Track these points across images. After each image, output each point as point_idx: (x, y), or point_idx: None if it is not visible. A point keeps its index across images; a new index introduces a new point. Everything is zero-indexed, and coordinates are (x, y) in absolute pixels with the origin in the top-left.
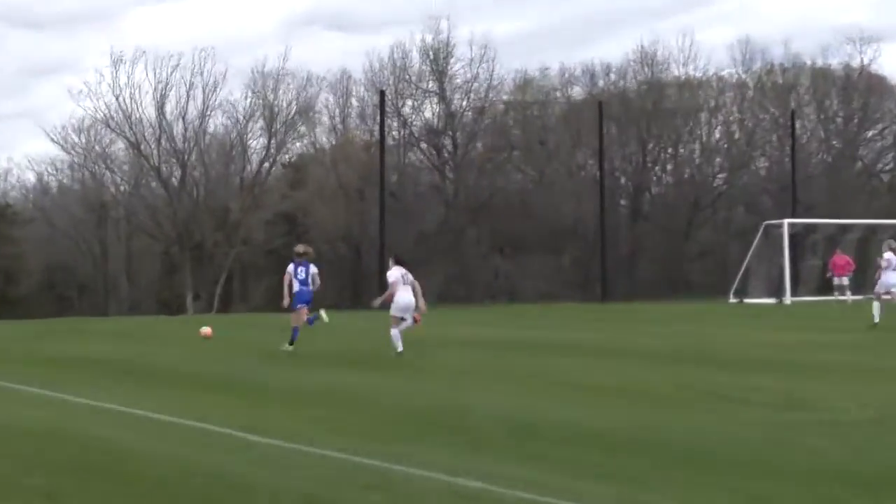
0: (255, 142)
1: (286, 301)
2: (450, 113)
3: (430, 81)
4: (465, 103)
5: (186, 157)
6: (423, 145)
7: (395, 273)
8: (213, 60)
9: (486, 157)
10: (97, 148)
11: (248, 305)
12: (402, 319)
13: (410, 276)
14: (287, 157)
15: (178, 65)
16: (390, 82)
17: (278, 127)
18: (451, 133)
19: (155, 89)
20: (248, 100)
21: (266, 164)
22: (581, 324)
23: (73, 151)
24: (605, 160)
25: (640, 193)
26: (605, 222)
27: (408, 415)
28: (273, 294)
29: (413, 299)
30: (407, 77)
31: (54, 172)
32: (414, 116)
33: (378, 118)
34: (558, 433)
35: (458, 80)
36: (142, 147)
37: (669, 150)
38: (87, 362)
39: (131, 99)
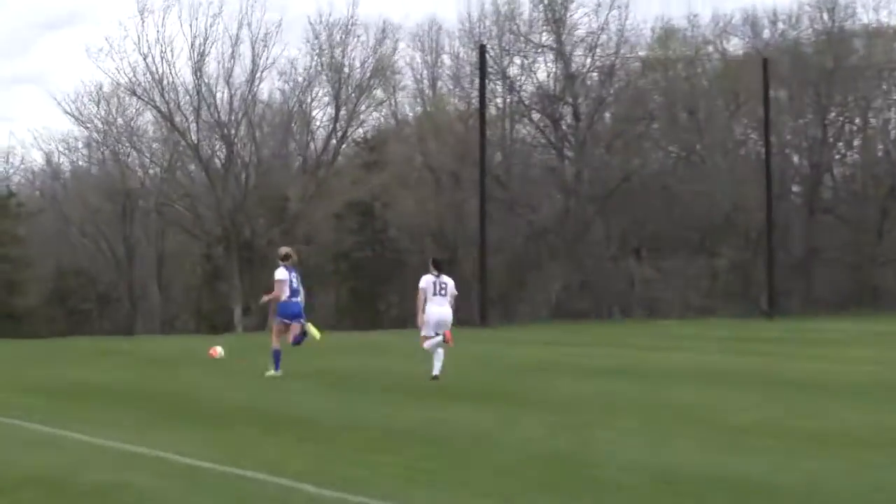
0: (319, 112)
1: (265, 299)
2: (569, 74)
3: (545, 33)
4: (589, 61)
5: (232, 131)
6: (536, 116)
7: (425, 279)
8: (263, 7)
9: (617, 131)
10: (120, 121)
11: (311, 321)
12: (437, 334)
13: (450, 286)
14: (360, 131)
15: (219, 13)
16: (493, 34)
17: (349, 93)
18: (571, 100)
19: (191, 46)
20: (310, 58)
21: (334, 141)
22: (739, 345)
23: (90, 125)
24: (771, 134)
25: (819, 177)
26: (773, 215)
27: (521, 462)
28: (344, 307)
29: (449, 314)
30: (514, 28)
31: (67, 152)
32: (523, 79)
33: (477, 81)
34: (713, 486)
35: (581, 31)
36: (176, 119)
37: (857, 121)
38: (107, 393)
39: (162, 58)
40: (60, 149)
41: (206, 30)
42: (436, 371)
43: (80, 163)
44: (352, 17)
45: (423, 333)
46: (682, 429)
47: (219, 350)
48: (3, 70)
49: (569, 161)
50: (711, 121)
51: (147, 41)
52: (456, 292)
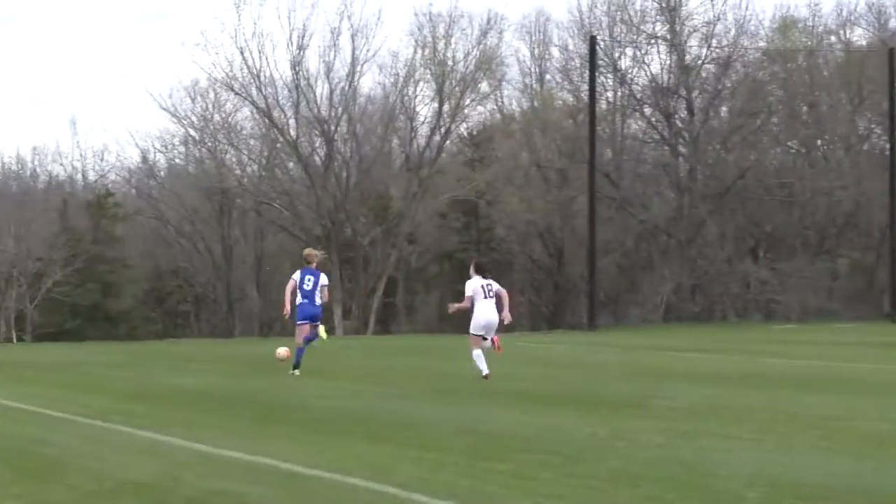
0: (422, 107)
1: (286, 311)
2: (684, 66)
3: (658, 23)
4: (704, 52)
5: (333, 127)
6: (648, 110)
7: (472, 284)
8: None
9: (734, 126)
10: (217, 117)
11: (414, 324)
12: (484, 339)
13: (495, 286)
14: (465, 126)
15: (318, 4)
16: (603, 25)
17: (452, 87)
18: (685, 93)
19: (289, 39)
20: (413, 50)
21: (437, 137)
22: (861, 351)
23: (186, 122)
24: None
25: None
26: None
27: (634, 471)
28: (445, 310)
29: (496, 316)
30: (626, 18)
31: (163, 149)
32: (635, 71)
33: (586, 74)
34: (840, 498)
35: (696, 21)
36: (274, 115)
37: None
38: (207, 397)
39: (260, 52)
40: (157, 146)
41: (304, 23)
42: (485, 371)
43: (177, 160)
44: (456, 7)
45: (472, 332)
46: (803, 437)
47: (281, 351)
48: (98, 65)
49: (682, 157)
50: (833, 115)
51: (244, 34)
52: (504, 292)
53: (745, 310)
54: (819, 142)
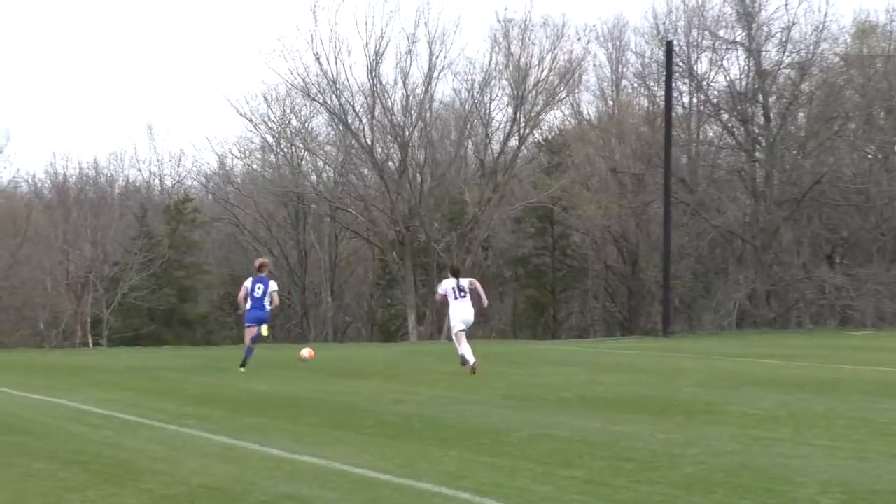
0: (498, 112)
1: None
2: (761, 71)
3: (736, 28)
4: (783, 58)
5: (408, 133)
6: (724, 116)
7: (445, 285)
8: (441, 6)
9: (811, 132)
10: (294, 123)
11: (487, 330)
12: (465, 331)
13: (466, 283)
14: (541, 132)
15: (396, 11)
16: (679, 30)
17: (528, 91)
18: (762, 99)
19: (366, 46)
20: (488, 57)
21: (513, 142)
22: None
23: (262, 127)
24: None
25: None
26: None
27: (709, 478)
28: (521, 314)
29: (471, 313)
30: (703, 23)
31: (240, 155)
32: (712, 77)
33: (662, 80)
34: None
35: (774, 27)
36: (349, 121)
37: None
38: (280, 402)
39: (336, 59)
40: (234, 152)
41: (382, 29)
42: (472, 360)
43: (254, 166)
44: (530, 12)
45: (454, 329)
46: (878, 444)
47: (304, 353)
48: (175, 71)
49: (759, 163)
50: None
51: (321, 40)
52: (479, 287)
53: (820, 316)
54: None
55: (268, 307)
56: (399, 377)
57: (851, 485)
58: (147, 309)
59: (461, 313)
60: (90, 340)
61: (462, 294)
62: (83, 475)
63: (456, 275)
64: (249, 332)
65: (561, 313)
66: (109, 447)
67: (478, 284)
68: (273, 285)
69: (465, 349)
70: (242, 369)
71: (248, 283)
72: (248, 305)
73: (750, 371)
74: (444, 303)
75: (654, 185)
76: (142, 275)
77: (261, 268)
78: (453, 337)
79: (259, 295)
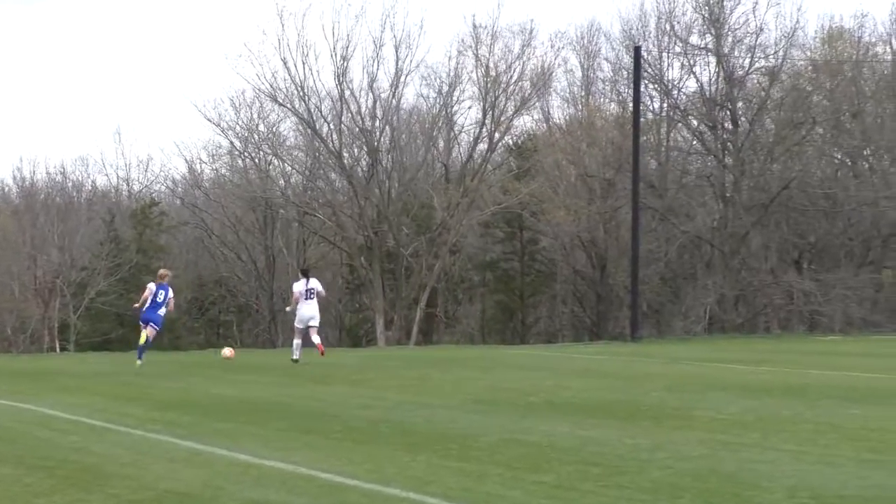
0: (465, 118)
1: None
2: (730, 77)
3: (705, 34)
4: (751, 63)
5: (376, 137)
6: (694, 121)
7: (298, 286)
8: (407, 10)
9: (780, 137)
10: (262, 128)
11: (456, 335)
12: (304, 330)
13: (319, 288)
14: (510, 137)
15: (361, 15)
16: (650, 35)
17: (498, 96)
18: (730, 104)
19: (333, 50)
20: (456, 61)
21: (481, 147)
22: None
23: (230, 132)
24: None
25: None
26: None
27: (677, 482)
28: (490, 319)
29: (316, 313)
30: (673, 29)
31: (208, 160)
32: (682, 82)
33: (632, 85)
34: None
35: (742, 32)
36: (318, 126)
37: None
38: (248, 407)
39: (304, 63)
40: (202, 157)
41: (348, 33)
42: (297, 356)
43: (222, 171)
44: (498, 17)
45: (296, 325)
46: (846, 449)
47: (226, 352)
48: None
49: (727, 168)
50: (878, 126)
51: (288, 45)
52: (324, 292)
53: (788, 321)
54: (866, 152)
55: (164, 312)
56: (367, 382)
57: (818, 490)
58: (115, 314)
59: (308, 312)
60: (58, 345)
61: (311, 295)
62: (49, 480)
63: (306, 276)
64: (145, 332)
65: (529, 318)
66: (76, 452)
67: (320, 286)
68: (171, 292)
69: (297, 347)
70: (139, 363)
71: (151, 286)
72: (148, 306)
73: (718, 376)
74: (298, 301)
75: (623, 191)
76: (109, 280)
77: (162, 277)
78: (294, 332)
79: (161, 300)
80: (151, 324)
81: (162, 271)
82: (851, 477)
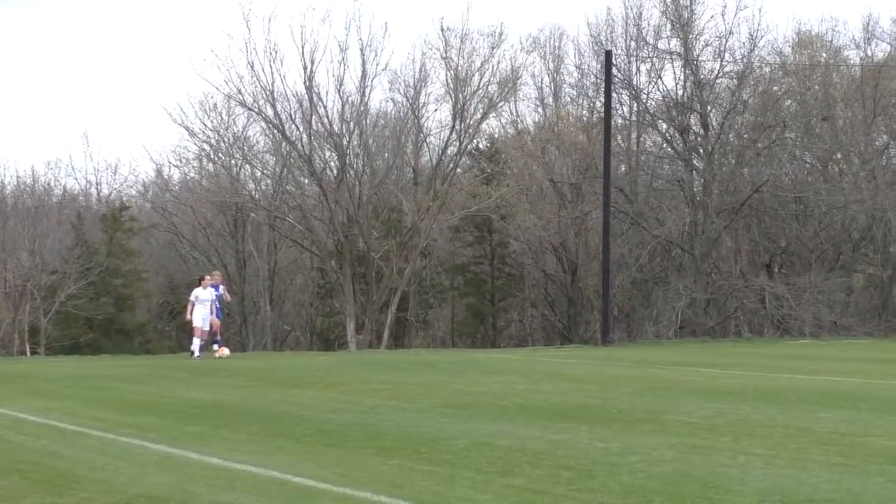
0: (432, 120)
1: None
2: (699, 81)
3: (672, 39)
4: (720, 67)
5: (345, 142)
6: (663, 125)
7: (196, 291)
8: (371, 12)
9: (750, 141)
10: (231, 132)
11: (427, 338)
12: (204, 330)
13: (214, 294)
14: (478, 141)
15: (327, 18)
16: (618, 41)
17: (466, 101)
18: (700, 108)
19: (301, 54)
20: (423, 64)
21: (451, 151)
22: (875, 367)
23: (200, 136)
24: None
25: None
26: None
27: (647, 486)
28: (460, 323)
29: (208, 314)
30: (640, 34)
31: (178, 164)
32: (651, 87)
33: (602, 89)
34: None
35: (710, 36)
36: (287, 130)
37: None
38: (219, 411)
39: (271, 67)
40: (172, 160)
41: (314, 37)
42: (197, 354)
43: (192, 175)
44: (467, 21)
45: (196, 325)
46: (816, 453)
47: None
48: (111, 80)
49: (697, 172)
50: (849, 130)
51: (254, 49)
52: (229, 298)
53: (759, 325)
54: (837, 156)
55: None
56: (338, 386)
57: (789, 494)
58: (85, 318)
59: (203, 313)
60: (28, 349)
61: (203, 301)
62: (21, 484)
63: (202, 282)
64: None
65: (500, 322)
66: (47, 456)
67: (228, 298)
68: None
69: (196, 345)
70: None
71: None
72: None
73: (689, 380)
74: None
75: (592, 195)
76: (79, 283)
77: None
78: (197, 331)
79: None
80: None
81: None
82: (821, 481)
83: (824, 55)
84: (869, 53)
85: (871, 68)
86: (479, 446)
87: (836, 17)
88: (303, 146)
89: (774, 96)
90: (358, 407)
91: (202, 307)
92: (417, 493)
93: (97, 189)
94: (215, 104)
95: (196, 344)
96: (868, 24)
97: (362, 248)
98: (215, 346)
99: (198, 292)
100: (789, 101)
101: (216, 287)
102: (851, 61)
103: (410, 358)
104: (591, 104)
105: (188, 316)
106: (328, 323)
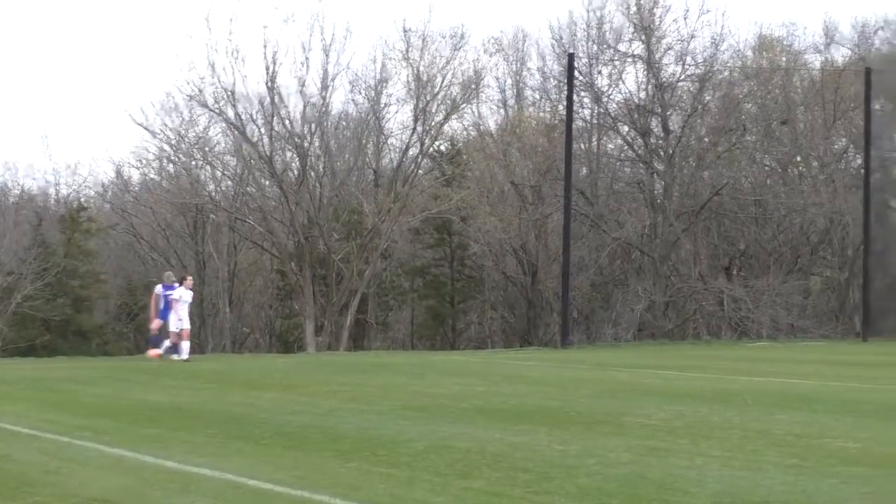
0: (393, 122)
1: None
2: (659, 84)
3: (635, 42)
4: (680, 71)
5: (306, 143)
6: (624, 128)
7: (177, 292)
8: (334, 14)
9: (710, 144)
10: (192, 132)
11: (387, 340)
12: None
13: (175, 295)
14: (440, 143)
15: (290, 19)
16: (580, 44)
17: (427, 102)
18: (661, 111)
19: (263, 55)
20: (383, 65)
21: (412, 152)
22: (831, 369)
23: (160, 137)
24: (872, 146)
25: None
26: (871, 231)
27: (604, 488)
28: (420, 325)
29: (186, 314)
30: (602, 37)
31: (138, 164)
32: (611, 90)
33: (564, 92)
34: None
35: (672, 39)
36: (248, 131)
37: None
38: (176, 414)
39: (233, 67)
40: (131, 161)
41: (276, 38)
42: (182, 352)
43: (152, 175)
44: (429, 22)
45: (173, 328)
46: (772, 455)
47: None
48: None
49: (658, 175)
50: (809, 134)
51: (215, 49)
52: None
53: (717, 327)
54: (797, 159)
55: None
56: (297, 388)
57: (744, 495)
58: (42, 319)
59: (183, 314)
60: None
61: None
62: None
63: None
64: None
65: (460, 324)
66: (0, 459)
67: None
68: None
69: (185, 346)
70: None
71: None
72: None
73: (647, 382)
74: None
75: (553, 198)
76: (36, 284)
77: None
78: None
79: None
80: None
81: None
82: (777, 483)
83: (785, 59)
84: (829, 58)
85: (830, 73)
86: (438, 448)
87: (797, 21)
88: (264, 147)
89: (735, 100)
90: (317, 409)
91: (183, 308)
92: (375, 496)
93: (56, 189)
94: (176, 105)
95: (184, 348)
96: (828, 29)
97: (322, 250)
98: (156, 349)
99: (181, 292)
100: (750, 105)
101: (170, 287)
102: (812, 65)
103: (370, 360)
104: (553, 107)
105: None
106: (287, 325)
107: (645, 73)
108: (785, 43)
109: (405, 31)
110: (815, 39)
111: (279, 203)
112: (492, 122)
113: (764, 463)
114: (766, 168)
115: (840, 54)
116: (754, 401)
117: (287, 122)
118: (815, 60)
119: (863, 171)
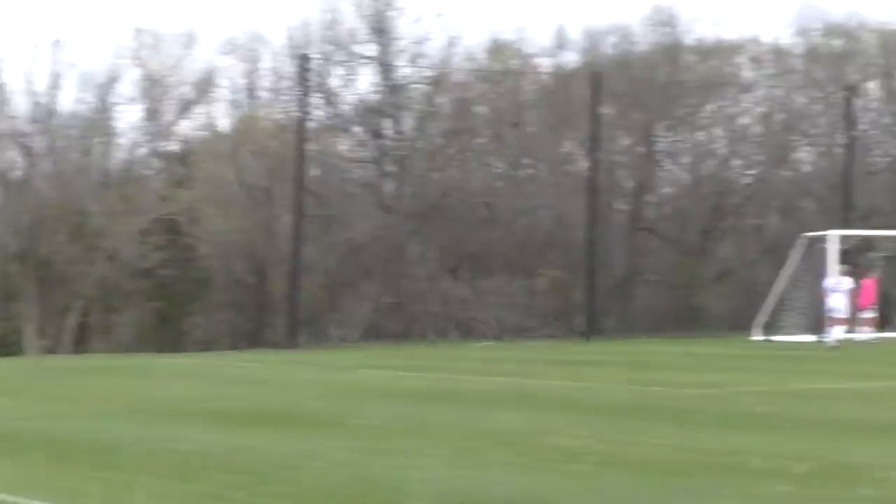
0: (125, 122)
1: None
2: (392, 86)
3: (368, 43)
4: (415, 72)
5: (32, 141)
6: (356, 129)
7: None
8: (64, 10)
9: (442, 146)
10: None
11: (111, 344)
12: None
13: None
14: (170, 143)
15: (16, 14)
16: (314, 45)
17: (158, 101)
18: (393, 112)
19: None
20: (113, 63)
21: (140, 152)
22: (554, 368)
23: None
24: (598, 150)
25: (643, 195)
26: (596, 233)
27: (328, 490)
28: (147, 327)
29: None
30: (336, 38)
31: None
32: (345, 91)
33: (295, 93)
34: None
35: (406, 42)
36: None
37: (685, 138)
38: None
39: None
40: None
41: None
42: None
43: None
44: (161, 20)
45: None
46: (494, 453)
47: None
48: None
49: (389, 176)
50: (538, 136)
51: None
52: None
53: (444, 328)
54: (524, 161)
55: None
56: (13, 392)
57: (468, 494)
58: None
59: None
60: None
61: None
62: None
63: None
64: None
65: (186, 326)
66: None
67: None
68: None
69: None
70: None
71: None
72: None
73: (373, 383)
74: None
75: (283, 199)
76: None
77: None
78: None
79: None
80: None
81: None
82: (500, 481)
83: (515, 62)
84: (558, 62)
85: (560, 76)
86: (160, 452)
87: (528, 25)
88: None
89: (468, 102)
90: (33, 413)
91: None
92: (94, 502)
93: None
94: None
95: None
96: (559, 34)
97: (46, 251)
98: None
99: None
100: (482, 107)
101: None
102: (542, 69)
103: (92, 363)
104: (285, 107)
105: None
106: (7, 328)
107: (378, 74)
108: (516, 47)
109: (136, 29)
110: (545, 44)
111: (3, 203)
112: (224, 122)
113: (488, 462)
114: (496, 170)
115: (570, 59)
116: (478, 400)
117: (12, 120)
118: (545, 64)
119: (588, 173)
